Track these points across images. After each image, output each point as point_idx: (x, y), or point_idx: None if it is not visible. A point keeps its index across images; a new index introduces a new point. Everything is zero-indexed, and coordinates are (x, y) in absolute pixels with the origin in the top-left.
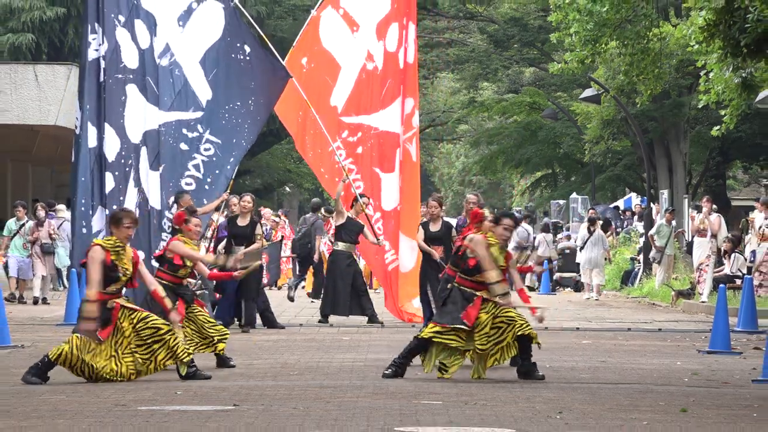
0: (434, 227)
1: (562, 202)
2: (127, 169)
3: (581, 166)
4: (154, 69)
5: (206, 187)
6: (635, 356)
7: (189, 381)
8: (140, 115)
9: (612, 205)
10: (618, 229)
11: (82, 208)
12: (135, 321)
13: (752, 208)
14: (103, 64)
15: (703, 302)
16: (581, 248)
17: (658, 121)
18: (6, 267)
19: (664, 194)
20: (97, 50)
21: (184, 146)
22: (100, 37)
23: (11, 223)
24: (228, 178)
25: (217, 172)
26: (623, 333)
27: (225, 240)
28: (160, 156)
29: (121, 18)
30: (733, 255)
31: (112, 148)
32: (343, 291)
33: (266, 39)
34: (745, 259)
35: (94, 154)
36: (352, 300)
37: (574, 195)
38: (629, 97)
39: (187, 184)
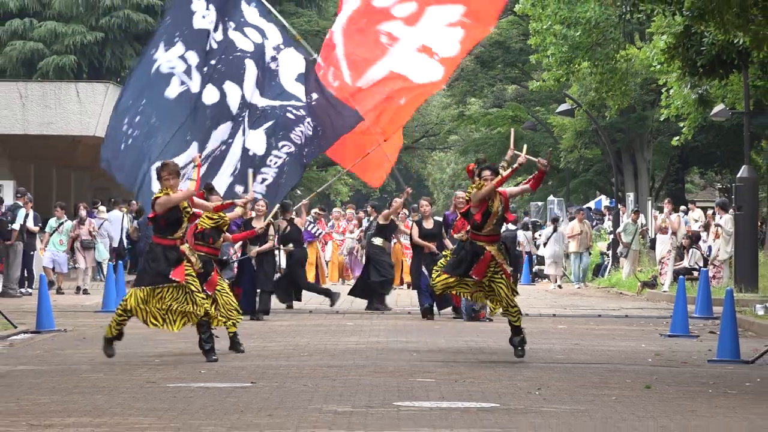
0: (427, 225)
1: (540, 203)
2: (240, 118)
3: (557, 172)
4: (264, 63)
5: (303, 152)
6: (605, 339)
7: (210, 362)
8: (254, 83)
9: (585, 206)
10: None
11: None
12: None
13: (709, 209)
14: (216, 36)
15: (664, 292)
16: (544, 244)
17: (625, 132)
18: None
19: (630, 197)
20: (211, 22)
21: (290, 116)
22: (212, 14)
23: (52, 222)
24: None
25: (313, 147)
26: (594, 319)
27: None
28: (267, 116)
29: (232, 24)
30: (690, 250)
31: (235, 104)
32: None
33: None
34: (702, 255)
35: (193, 99)
36: (366, 286)
37: (551, 197)
38: (599, 111)
39: (295, 140)
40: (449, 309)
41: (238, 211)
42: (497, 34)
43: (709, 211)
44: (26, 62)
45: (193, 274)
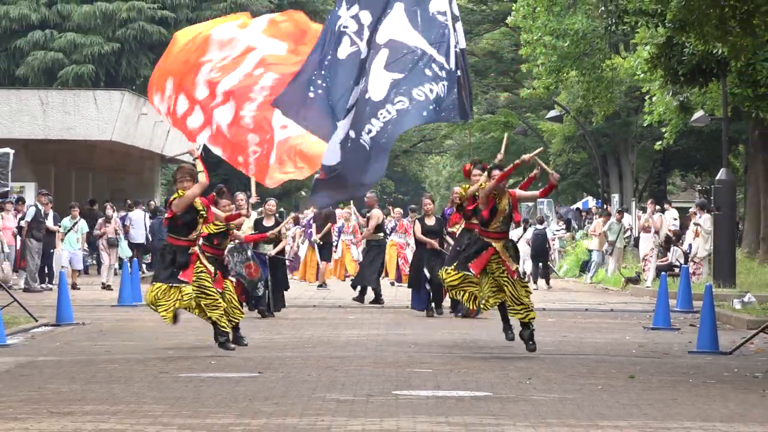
0: (429, 221)
1: (530, 203)
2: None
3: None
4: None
5: (422, 113)
6: (591, 332)
7: (220, 351)
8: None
9: (573, 207)
10: (575, 226)
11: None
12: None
13: (691, 208)
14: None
15: (647, 287)
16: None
17: (610, 137)
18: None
19: (615, 197)
20: None
21: (428, 72)
22: None
23: (66, 221)
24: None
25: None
26: (581, 313)
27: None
28: (405, 61)
29: None
30: (672, 248)
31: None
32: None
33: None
34: (683, 252)
35: (359, 64)
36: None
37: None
38: (586, 117)
39: (416, 96)
40: (447, 303)
41: (242, 220)
42: (490, 45)
43: (692, 210)
44: (47, 71)
45: (205, 271)
